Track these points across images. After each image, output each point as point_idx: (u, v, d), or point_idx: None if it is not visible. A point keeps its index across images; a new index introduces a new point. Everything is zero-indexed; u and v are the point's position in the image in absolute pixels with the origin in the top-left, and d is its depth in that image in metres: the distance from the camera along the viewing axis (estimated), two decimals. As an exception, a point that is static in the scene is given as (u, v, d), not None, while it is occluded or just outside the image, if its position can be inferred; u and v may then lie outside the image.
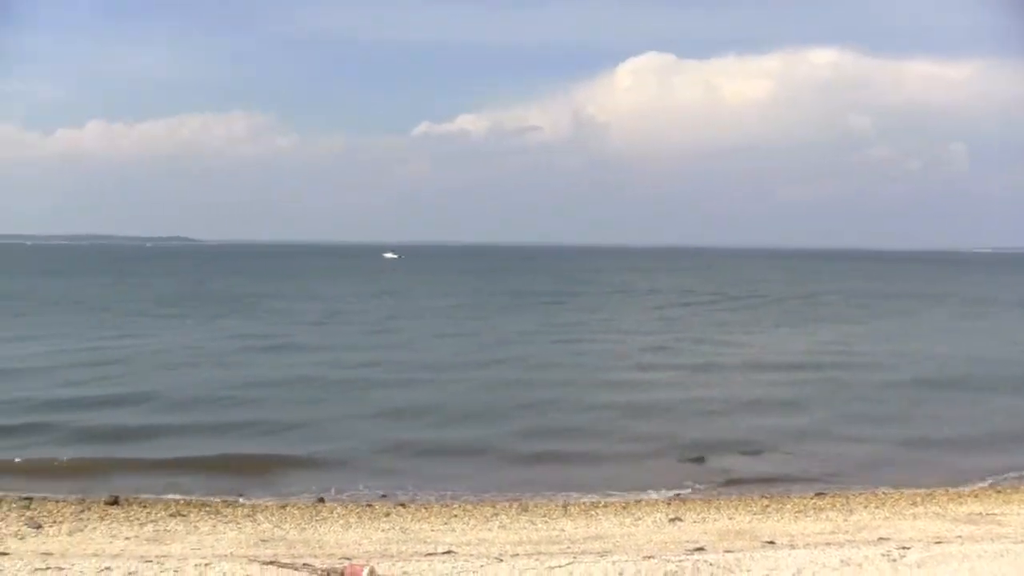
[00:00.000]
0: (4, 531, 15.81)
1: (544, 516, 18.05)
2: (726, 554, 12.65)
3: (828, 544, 14.09)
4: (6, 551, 13.27)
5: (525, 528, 16.96)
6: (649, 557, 12.19)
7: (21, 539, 15.09)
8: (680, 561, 11.50)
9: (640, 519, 17.66)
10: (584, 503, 19.34)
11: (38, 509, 17.82)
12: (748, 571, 10.95)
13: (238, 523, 17.00)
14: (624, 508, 18.81)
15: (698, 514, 18.15)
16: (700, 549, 13.81)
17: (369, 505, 18.90)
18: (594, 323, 60.39)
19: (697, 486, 21.01)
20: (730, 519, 17.65)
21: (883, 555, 12.25)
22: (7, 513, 17.38)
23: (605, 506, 19.07)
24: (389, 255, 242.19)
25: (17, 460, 22.26)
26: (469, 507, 18.86)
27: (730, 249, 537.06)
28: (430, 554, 13.54)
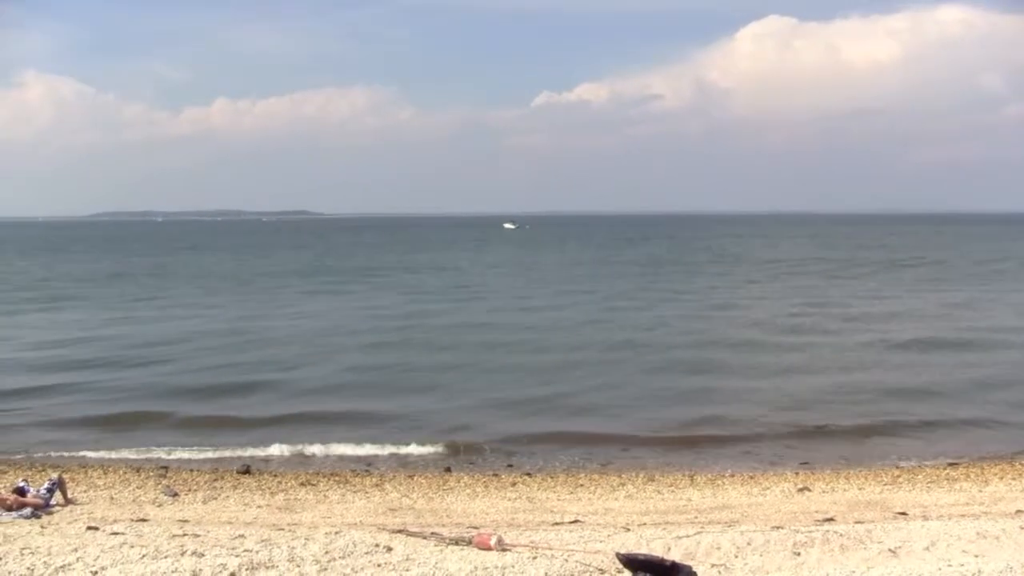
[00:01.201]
0: (143, 498, 16.44)
1: (671, 486, 17.97)
2: (856, 525, 12.45)
3: (963, 516, 13.76)
4: (145, 518, 13.76)
5: (652, 498, 16.94)
6: (777, 527, 12.07)
7: (159, 506, 15.67)
8: (809, 532, 11.33)
9: (767, 489, 17.47)
10: (711, 473, 19.20)
11: (174, 478, 18.47)
12: (879, 542, 10.73)
13: (367, 492, 17.33)
14: (751, 478, 18.61)
15: (827, 484, 17.87)
16: (830, 520, 13.63)
17: (495, 475, 19.07)
18: (719, 292, 59.28)
19: (826, 456, 20.70)
20: (860, 490, 17.34)
21: (1021, 528, 11.87)
22: (145, 481, 18.06)
23: (732, 476, 18.89)
24: (508, 225, 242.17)
25: (160, 430, 23.07)
26: (595, 477, 18.88)
27: (854, 215, 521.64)
28: (557, 523, 13.64)
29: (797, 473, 19.12)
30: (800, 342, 36.25)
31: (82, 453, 20.74)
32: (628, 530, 12.25)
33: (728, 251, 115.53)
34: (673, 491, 17.54)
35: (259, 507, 15.69)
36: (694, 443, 21.98)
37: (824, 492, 17.17)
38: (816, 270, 78.05)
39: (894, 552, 10.29)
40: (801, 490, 17.30)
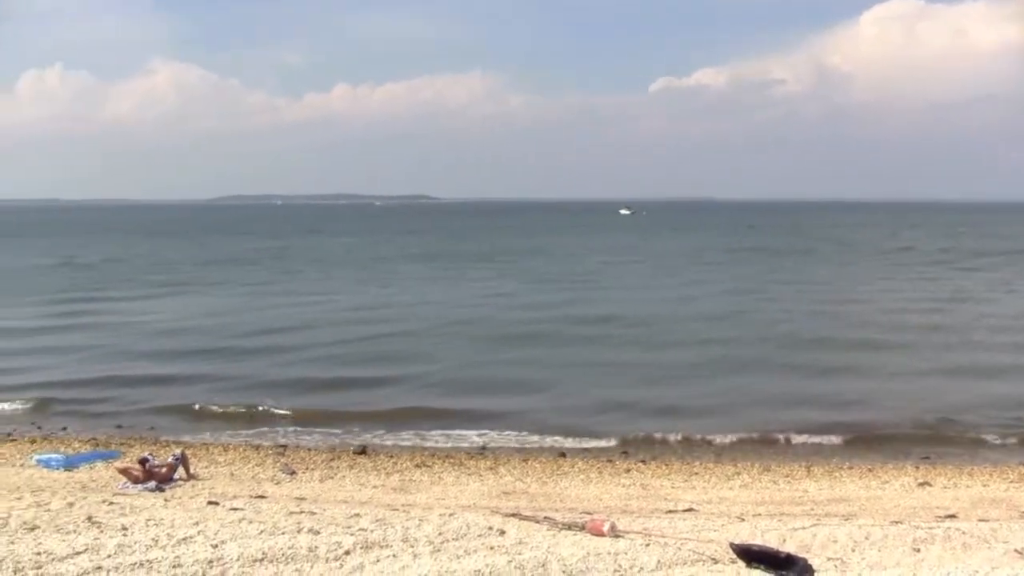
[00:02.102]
0: (262, 476, 16.90)
1: (787, 476, 17.77)
2: (980, 523, 12.09)
3: (1096, 516, 13.29)
4: (263, 494, 14.11)
5: (767, 488, 16.76)
6: (896, 522, 11.80)
7: (277, 484, 16.06)
8: (930, 528, 11.04)
9: (887, 483, 17.13)
10: (828, 465, 18.88)
11: (292, 456, 18.95)
12: (1005, 542, 10.40)
13: (481, 475, 17.51)
14: (870, 471, 18.25)
15: (949, 480, 17.45)
16: (952, 516, 13.28)
17: (610, 461, 19.09)
18: (844, 283, 57.94)
19: (948, 451, 20.19)
20: (984, 487, 16.87)
21: None
22: (263, 459, 18.57)
23: (850, 468, 18.56)
24: (624, 211, 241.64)
25: (279, 411, 23.68)
26: (710, 466, 18.77)
27: (975, 203, 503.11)
28: (671, 511, 13.56)
29: (917, 467, 18.70)
30: (930, 341, 34.40)
31: (202, 435, 21.37)
32: (743, 520, 12.12)
33: (851, 239, 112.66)
34: (789, 482, 17.34)
35: (374, 487, 15.95)
36: (811, 433, 21.57)
37: (946, 488, 16.76)
38: (943, 259, 75.72)
39: (1021, 553, 9.99)
40: (921, 485, 16.93)
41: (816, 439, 21.11)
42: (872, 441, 21.18)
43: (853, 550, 9.90)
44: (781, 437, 21.28)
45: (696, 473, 18.04)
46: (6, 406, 24.10)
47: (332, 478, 16.91)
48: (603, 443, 20.80)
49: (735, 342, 34.00)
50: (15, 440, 20.48)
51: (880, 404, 24.40)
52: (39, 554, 8.40)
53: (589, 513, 12.30)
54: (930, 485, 16.90)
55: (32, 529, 9.44)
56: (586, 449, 20.25)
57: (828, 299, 48.23)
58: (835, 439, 21.12)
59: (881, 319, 40.41)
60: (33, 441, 20.31)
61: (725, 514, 13.16)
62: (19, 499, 11.51)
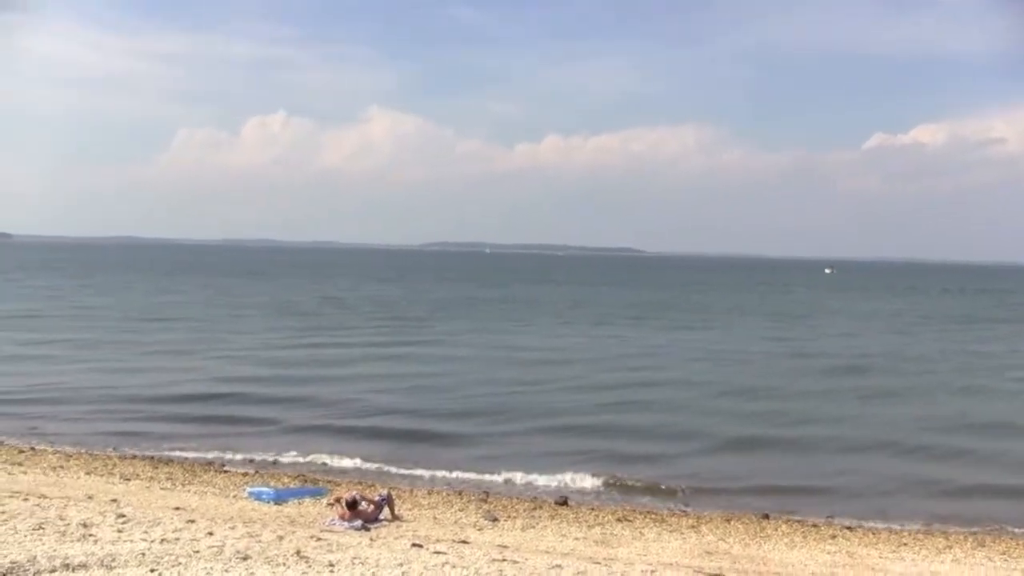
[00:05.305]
0: (464, 521, 17.04)
1: (1003, 553, 16.78)
2: None
3: None
4: (466, 540, 14.19)
5: (982, 565, 15.86)
6: None
7: (479, 530, 16.14)
8: None
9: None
10: (1052, 542, 17.71)
11: (494, 504, 19.07)
12: None
13: (682, 533, 17.19)
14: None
15: None
16: None
17: (814, 526, 18.48)
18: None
19: None
20: None
21: None
22: (466, 504, 18.77)
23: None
24: (828, 271, 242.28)
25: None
26: (920, 536, 17.94)
27: None
28: (880, 583, 13.02)
29: None
30: None
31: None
32: (956, 599, 11.52)
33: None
34: (1006, 559, 16.36)
35: (576, 539, 15.87)
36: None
37: None
38: None
39: None
40: None
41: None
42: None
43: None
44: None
45: (904, 544, 17.27)
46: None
47: (534, 527, 16.91)
48: (805, 506, 20.17)
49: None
50: (228, 472, 21.38)
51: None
52: (251, 584, 8.66)
53: (794, 579, 11.92)
54: None
55: (244, 559, 9.75)
56: (789, 512, 19.62)
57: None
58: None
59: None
60: (245, 474, 21.13)
61: (938, 590, 12.53)
62: (232, 528, 11.93)
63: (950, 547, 17.13)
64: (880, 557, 15.98)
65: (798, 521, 18.80)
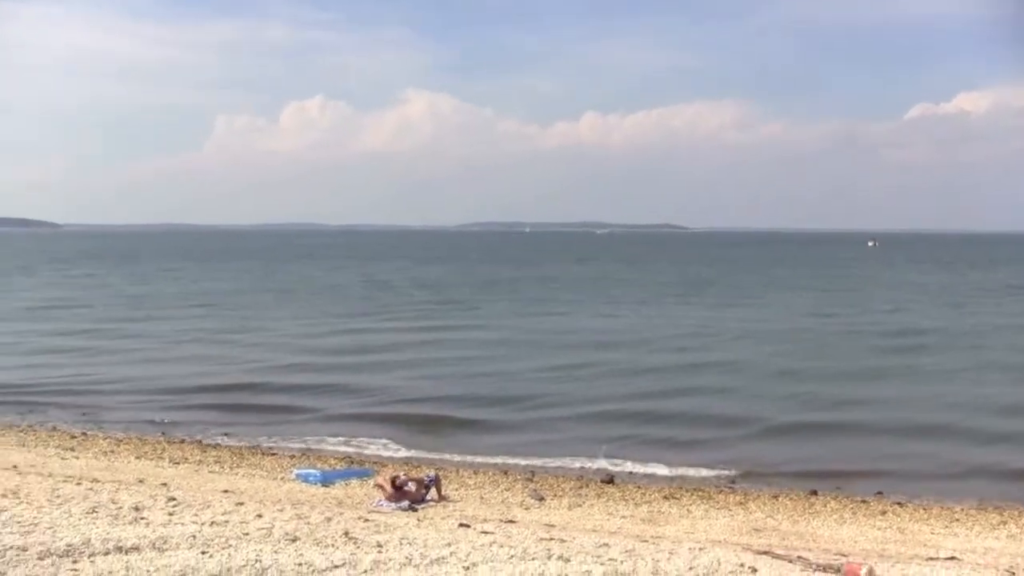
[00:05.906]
0: (510, 500, 17.11)
1: (1059, 530, 16.53)
2: None
3: None
4: (513, 519, 14.22)
5: (1038, 540, 15.63)
6: None
7: (526, 509, 16.20)
8: None
9: None
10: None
11: (540, 482, 19.09)
12: None
13: (730, 510, 17.15)
14: None
15: None
16: None
17: (864, 501, 18.31)
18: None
19: None
20: None
21: None
22: (512, 484, 18.83)
23: None
24: (871, 243, 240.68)
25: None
26: (973, 512, 17.71)
27: None
28: (931, 559, 12.84)
29: None
30: None
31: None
32: (1013, 574, 11.36)
33: None
34: (1061, 536, 16.10)
35: (623, 517, 15.85)
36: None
37: None
38: None
39: None
40: None
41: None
42: None
43: None
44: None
45: (957, 519, 17.07)
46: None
47: (580, 506, 16.94)
48: (855, 482, 20.01)
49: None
50: (275, 455, 21.55)
51: None
52: (300, 564, 8.72)
53: (844, 555, 11.81)
54: None
55: (293, 540, 9.81)
56: (838, 487, 19.44)
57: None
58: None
59: None
60: (292, 457, 21.30)
61: (991, 565, 12.33)
62: (281, 511, 12.00)
63: (1004, 523, 16.89)
64: (932, 533, 15.79)
65: (847, 497, 18.63)
